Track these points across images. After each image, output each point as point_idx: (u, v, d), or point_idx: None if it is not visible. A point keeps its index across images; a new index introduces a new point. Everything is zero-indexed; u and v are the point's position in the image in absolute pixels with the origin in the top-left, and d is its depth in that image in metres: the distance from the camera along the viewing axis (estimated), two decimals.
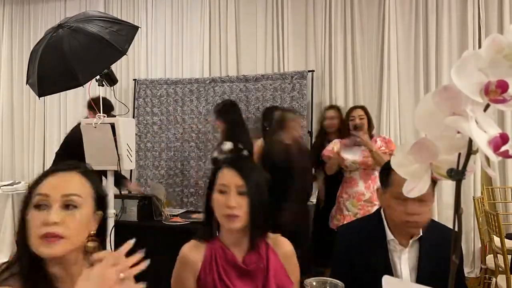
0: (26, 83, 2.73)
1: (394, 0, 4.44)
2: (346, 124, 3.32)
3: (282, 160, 2.93)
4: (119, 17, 3.24)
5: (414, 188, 0.59)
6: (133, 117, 4.88)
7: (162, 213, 3.34)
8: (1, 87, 5.88)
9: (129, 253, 0.89)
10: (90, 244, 1.03)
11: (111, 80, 2.73)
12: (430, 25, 4.33)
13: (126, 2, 5.42)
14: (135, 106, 5.06)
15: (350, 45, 4.58)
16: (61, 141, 3.92)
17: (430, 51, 4.33)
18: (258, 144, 3.59)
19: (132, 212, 3.11)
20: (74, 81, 2.46)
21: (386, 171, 1.49)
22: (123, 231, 2.85)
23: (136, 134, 4.28)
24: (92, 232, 1.05)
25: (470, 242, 4.15)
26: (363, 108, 3.36)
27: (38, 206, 0.98)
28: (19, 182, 4.91)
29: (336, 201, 3.24)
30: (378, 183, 1.64)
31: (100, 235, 1.08)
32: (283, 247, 1.40)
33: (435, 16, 4.33)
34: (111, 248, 2.63)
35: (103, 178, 2.54)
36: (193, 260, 1.33)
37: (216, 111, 3.54)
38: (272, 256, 1.36)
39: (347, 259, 1.52)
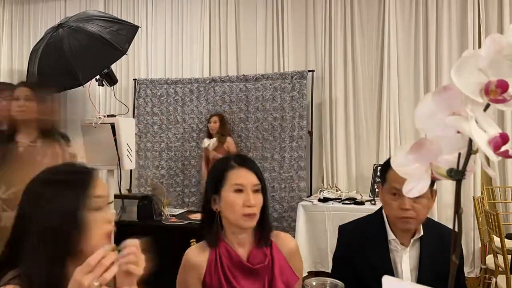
0: None
1: (394, 0, 4.44)
2: None
3: None
4: (119, 17, 3.24)
5: (414, 188, 0.59)
6: (133, 117, 4.88)
7: (162, 213, 3.34)
8: None
9: None
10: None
11: (111, 80, 2.73)
12: (430, 25, 4.33)
13: (126, 2, 5.42)
14: (135, 106, 5.06)
15: (350, 45, 4.58)
16: None
17: (430, 51, 4.33)
18: (231, 141, 4.32)
19: (132, 212, 3.10)
20: (74, 81, 2.47)
21: (384, 168, 1.50)
22: (123, 231, 2.85)
23: (136, 134, 4.28)
24: None
25: (470, 242, 4.15)
26: None
27: None
28: None
29: None
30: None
31: None
32: (286, 243, 1.40)
33: (435, 16, 4.33)
34: None
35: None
36: (198, 264, 1.32)
37: None
38: (276, 253, 1.35)
39: (348, 259, 1.52)
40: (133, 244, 0.93)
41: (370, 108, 4.55)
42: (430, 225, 1.51)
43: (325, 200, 3.86)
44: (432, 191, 1.44)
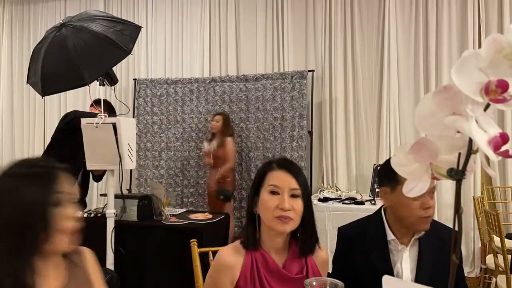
0: (27, 82, 2.72)
1: (394, 0, 4.44)
2: None
3: None
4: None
5: (414, 188, 0.59)
6: (133, 117, 4.88)
7: (162, 213, 3.33)
8: (1, 86, 5.89)
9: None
10: None
11: (112, 79, 2.73)
12: (430, 25, 4.33)
13: (126, 2, 5.42)
14: (135, 105, 5.06)
15: (350, 45, 4.58)
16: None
17: (430, 51, 4.33)
18: (229, 141, 4.22)
19: (132, 212, 3.10)
20: (79, 80, 2.46)
21: (393, 170, 1.49)
22: (123, 231, 2.85)
23: (136, 134, 4.28)
24: None
25: (470, 242, 4.15)
26: None
27: None
28: None
29: None
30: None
31: None
32: (321, 253, 1.37)
33: (435, 16, 4.33)
34: (111, 248, 2.63)
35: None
36: (232, 266, 1.28)
37: None
38: (311, 263, 1.32)
39: (348, 259, 1.53)
40: None
41: (370, 108, 4.54)
42: (430, 225, 1.51)
43: (325, 200, 3.86)
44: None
